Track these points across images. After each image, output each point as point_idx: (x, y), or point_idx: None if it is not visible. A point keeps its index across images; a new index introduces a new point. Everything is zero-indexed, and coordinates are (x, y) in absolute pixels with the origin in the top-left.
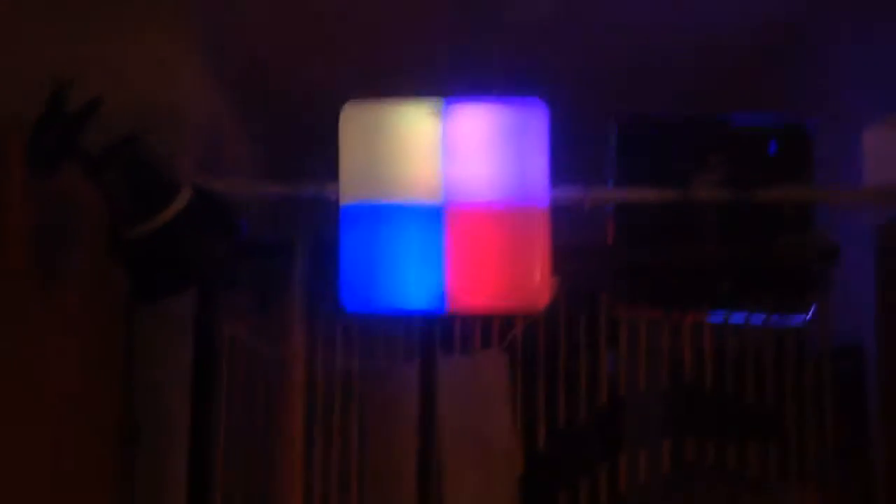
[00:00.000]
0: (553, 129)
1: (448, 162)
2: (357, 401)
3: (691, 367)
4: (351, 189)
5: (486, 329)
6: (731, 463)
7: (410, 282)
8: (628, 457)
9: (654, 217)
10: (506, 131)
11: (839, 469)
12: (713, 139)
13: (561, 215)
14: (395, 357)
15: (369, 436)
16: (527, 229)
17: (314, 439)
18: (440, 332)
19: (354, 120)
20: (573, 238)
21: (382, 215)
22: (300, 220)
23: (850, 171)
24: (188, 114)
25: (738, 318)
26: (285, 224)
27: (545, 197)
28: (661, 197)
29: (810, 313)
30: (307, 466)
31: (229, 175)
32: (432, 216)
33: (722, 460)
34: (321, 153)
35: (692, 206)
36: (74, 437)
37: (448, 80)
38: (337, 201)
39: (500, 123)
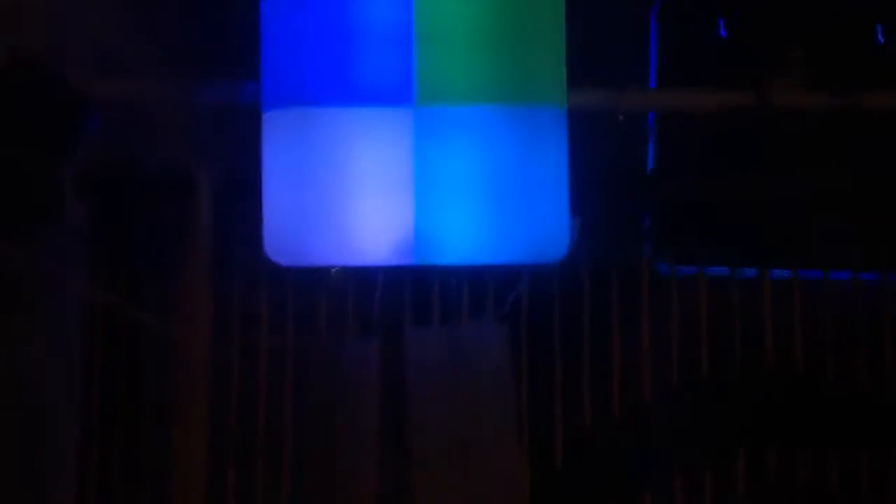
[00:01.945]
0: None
1: (421, 50)
2: (290, 397)
3: (774, 345)
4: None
5: (477, 291)
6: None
7: (367, 220)
8: (684, 477)
9: (711, 133)
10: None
11: None
12: (794, 24)
13: (584, 129)
14: (345, 332)
15: (311, 449)
16: (535, 146)
17: (226, 459)
18: (410, 295)
19: None
20: (601, 163)
21: (322, 126)
22: (204, 143)
23: None
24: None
25: (841, 275)
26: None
27: (561, 94)
28: (723, 102)
29: None
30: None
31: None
32: (399, 120)
33: (824, 476)
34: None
35: (767, 116)
36: None
37: None
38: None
39: None
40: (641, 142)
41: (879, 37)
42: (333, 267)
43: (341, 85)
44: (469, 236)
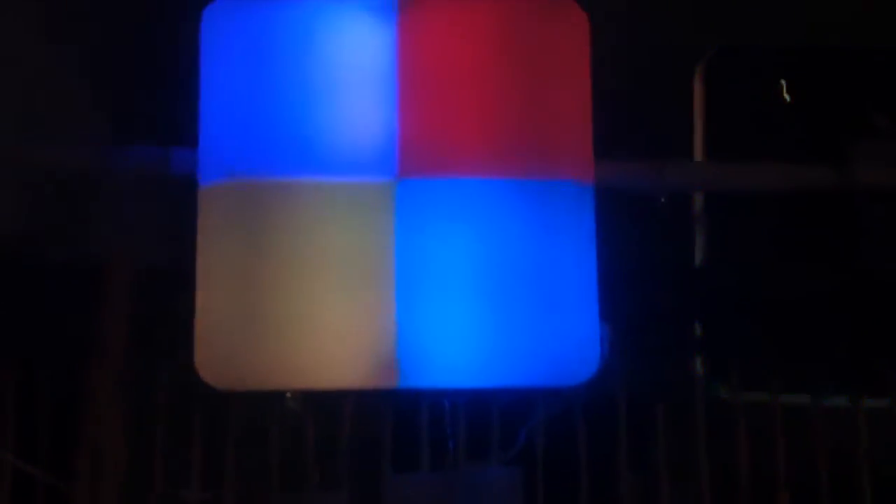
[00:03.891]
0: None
1: (406, 105)
2: None
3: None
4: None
5: (479, 424)
6: None
7: (334, 328)
8: None
9: (775, 217)
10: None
11: None
12: (880, 84)
13: (617, 211)
14: (303, 481)
15: None
16: (554, 231)
17: None
18: (390, 430)
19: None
20: (638, 253)
21: (276, 203)
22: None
23: None
24: None
25: None
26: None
27: (587, 166)
28: (793, 180)
29: None
30: None
31: None
32: (377, 196)
33: None
34: None
35: (847, 194)
36: None
37: None
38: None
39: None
40: (687, 227)
41: None
42: (287, 392)
43: (298, 150)
44: (468, 351)
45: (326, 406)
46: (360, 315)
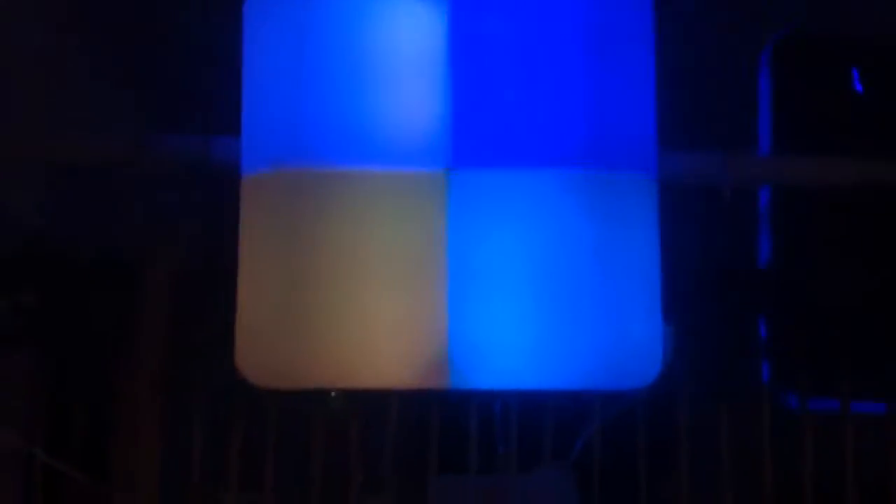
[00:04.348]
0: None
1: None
2: None
3: None
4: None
5: (532, 427)
6: None
7: (381, 325)
8: None
9: (847, 215)
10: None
11: None
12: None
13: (680, 206)
14: (348, 483)
15: None
16: (614, 227)
17: None
18: (438, 431)
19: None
20: (702, 252)
21: (321, 194)
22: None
23: None
24: None
25: None
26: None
27: (650, 157)
28: (865, 176)
29: None
30: None
31: None
32: (428, 188)
33: None
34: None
35: None
36: None
37: None
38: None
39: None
40: (753, 224)
41: None
42: (331, 391)
43: (349, 139)
44: (522, 351)
45: (372, 406)
46: (410, 312)
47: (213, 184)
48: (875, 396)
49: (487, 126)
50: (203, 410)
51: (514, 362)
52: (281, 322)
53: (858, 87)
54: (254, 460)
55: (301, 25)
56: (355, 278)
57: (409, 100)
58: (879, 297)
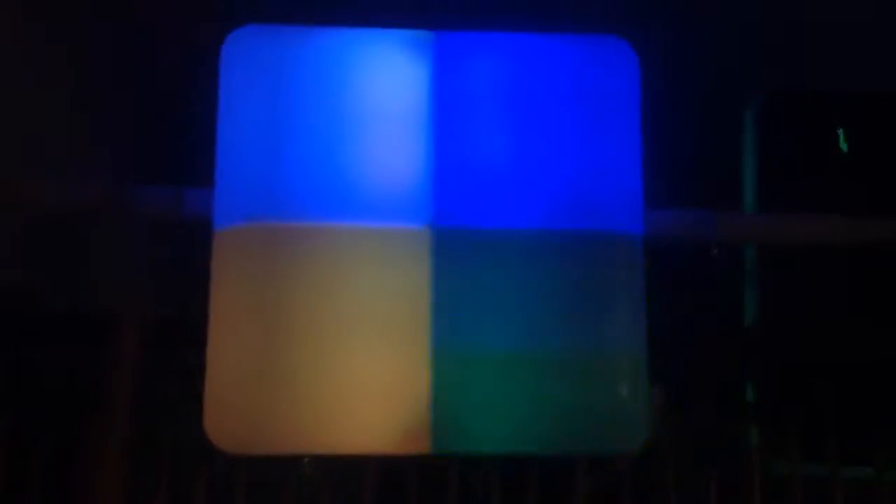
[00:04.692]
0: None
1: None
2: None
3: None
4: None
5: (515, 492)
6: None
7: (359, 388)
8: None
9: (835, 274)
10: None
11: None
12: None
13: (667, 264)
14: None
15: None
16: (601, 286)
17: None
18: (417, 498)
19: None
20: (689, 311)
21: (298, 249)
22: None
23: None
24: None
25: None
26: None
27: (636, 216)
28: (855, 235)
29: None
30: None
31: None
32: (411, 244)
33: None
34: None
35: None
36: None
37: None
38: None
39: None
40: (740, 282)
41: None
42: (304, 457)
43: (327, 193)
44: (505, 414)
45: (347, 473)
46: (390, 374)
47: (185, 237)
48: (864, 460)
49: (470, 182)
50: (169, 471)
51: (498, 426)
52: (252, 384)
53: (842, 146)
54: None
55: (279, 75)
56: (332, 339)
57: (390, 153)
58: (868, 356)
